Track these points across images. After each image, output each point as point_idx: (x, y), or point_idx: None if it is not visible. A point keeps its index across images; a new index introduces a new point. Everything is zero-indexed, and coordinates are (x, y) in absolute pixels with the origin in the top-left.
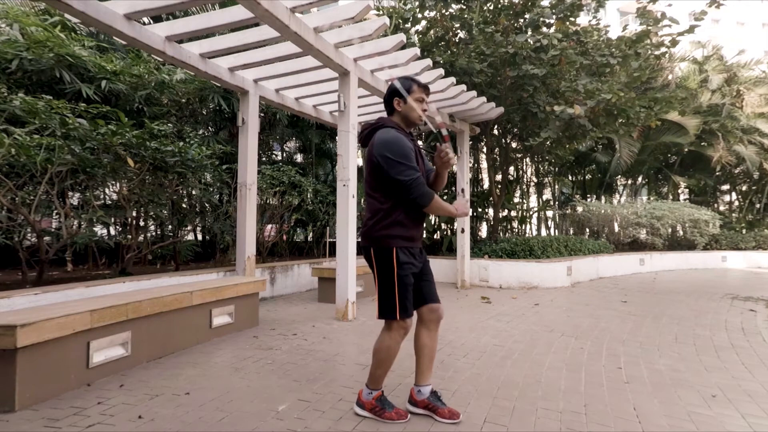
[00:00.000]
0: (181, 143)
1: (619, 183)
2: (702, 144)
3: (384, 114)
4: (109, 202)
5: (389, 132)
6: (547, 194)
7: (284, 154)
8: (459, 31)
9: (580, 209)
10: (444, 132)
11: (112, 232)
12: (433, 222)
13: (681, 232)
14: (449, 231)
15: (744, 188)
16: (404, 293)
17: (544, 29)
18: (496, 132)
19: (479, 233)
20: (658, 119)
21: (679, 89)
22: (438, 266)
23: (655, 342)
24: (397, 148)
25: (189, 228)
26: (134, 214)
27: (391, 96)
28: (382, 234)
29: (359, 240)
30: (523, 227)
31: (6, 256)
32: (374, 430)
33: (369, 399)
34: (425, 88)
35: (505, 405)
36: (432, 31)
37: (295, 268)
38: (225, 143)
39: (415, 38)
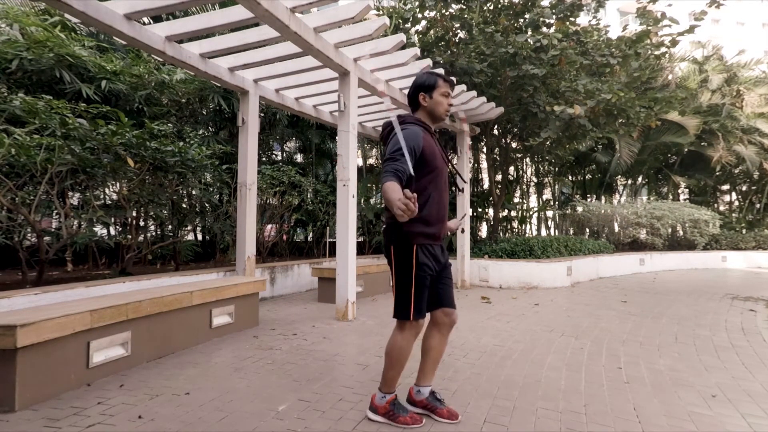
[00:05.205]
0: (181, 143)
1: (619, 183)
2: (702, 144)
3: (384, 114)
4: (109, 202)
5: (407, 127)
6: (547, 194)
7: (284, 154)
8: (459, 31)
9: (580, 209)
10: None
11: (112, 232)
12: None
13: (681, 232)
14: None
15: (744, 188)
16: (420, 294)
17: (544, 29)
18: (496, 132)
19: (479, 233)
20: (658, 119)
21: (679, 89)
22: None
23: (655, 342)
24: (407, 139)
25: (189, 228)
26: (134, 214)
27: (416, 91)
28: (404, 230)
29: (357, 238)
30: (523, 227)
31: (6, 256)
32: (374, 431)
33: (382, 403)
34: (450, 82)
35: (505, 405)
36: (432, 31)
37: (295, 268)
38: (225, 143)
39: (415, 38)
